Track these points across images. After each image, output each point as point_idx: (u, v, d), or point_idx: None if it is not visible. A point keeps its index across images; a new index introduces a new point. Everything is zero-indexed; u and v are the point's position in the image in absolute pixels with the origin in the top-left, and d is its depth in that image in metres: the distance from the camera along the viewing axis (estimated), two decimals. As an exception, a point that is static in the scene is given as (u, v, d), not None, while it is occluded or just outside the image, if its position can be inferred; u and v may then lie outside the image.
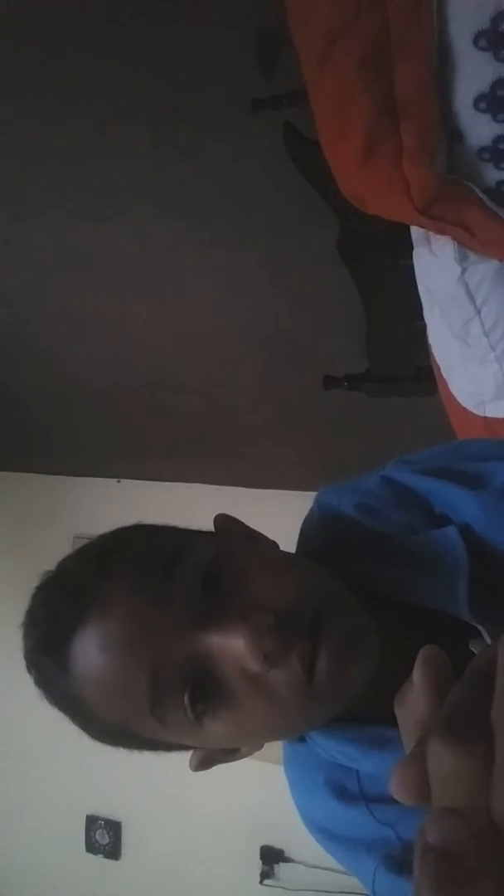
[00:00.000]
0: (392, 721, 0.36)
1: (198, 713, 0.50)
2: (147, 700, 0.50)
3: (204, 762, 0.59)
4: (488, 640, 0.52)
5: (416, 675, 0.34)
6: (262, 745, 0.58)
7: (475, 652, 0.53)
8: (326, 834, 0.60)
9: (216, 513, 0.63)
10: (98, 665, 0.50)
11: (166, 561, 0.51)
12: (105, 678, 0.50)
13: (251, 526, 0.63)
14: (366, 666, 0.51)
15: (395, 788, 0.31)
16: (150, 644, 0.49)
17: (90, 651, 0.50)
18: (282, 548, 0.62)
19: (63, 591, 0.53)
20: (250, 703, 0.50)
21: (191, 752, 0.58)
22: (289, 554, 0.60)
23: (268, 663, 0.48)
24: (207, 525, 0.62)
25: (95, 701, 0.52)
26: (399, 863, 0.53)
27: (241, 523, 0.62)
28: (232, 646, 0.49)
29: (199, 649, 0.49)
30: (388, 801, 0.55)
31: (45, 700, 0.56)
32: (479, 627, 0.53)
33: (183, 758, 0.59)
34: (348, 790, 0.58)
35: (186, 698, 0.49)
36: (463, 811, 0.28)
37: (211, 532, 0.61)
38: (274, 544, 0.62)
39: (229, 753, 0.59)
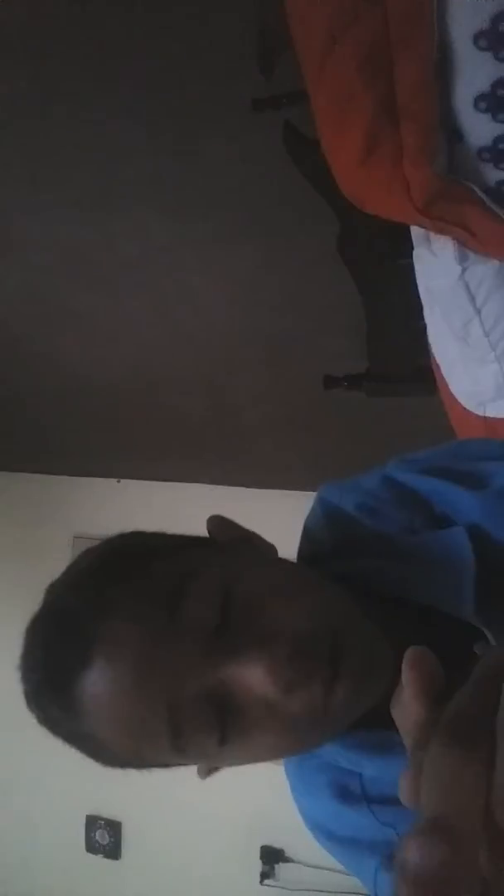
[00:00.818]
0: (395, 724, 0.36)
1: (218, 741, 0.49)
2: (167, 736, 0.48)
3: (212, 769, 0.59)
4: (493, 643, 0.52)
5: (404, 676, 0.34)
6: None
7: (479, 653, 0.52)
8: (328, 835, 0.60)
9: (214, 513, 0.61)
10: (109, 707, 0.48)
11: (171, 592, 0.49)
12: (118, 718, 0.49)
13: (251, 526, 0.62)
14: (382, 681, 0.50)
15: (405, 794, 0.31)
16: (164, 683, 0.48)
17: (99, 692, 0.48)
18: (282, 548, 0.62)
19: (61, 633, 0.50)
20: (268, 730, 0.49)
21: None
22: (296, 569, 0.59)
23: (288, 690, 0.47)
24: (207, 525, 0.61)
25: (107, 739, 0.50)
26: None
27: (237, 525, 0.61)
28: (252, 676, 0.47)
29: (216, 682, 0.48)
30: (391, 802, 0.55)
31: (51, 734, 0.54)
32: (485, 630, 0.53)
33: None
34: (351, 791, 0.58)
35: (214, 728, 0.48)
36: (454, 818, 0.27)
37: (213, 544, 0.59)
38: (272, 547, 0.60)
39: None
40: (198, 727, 0.48)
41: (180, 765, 0.56)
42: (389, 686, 0.44)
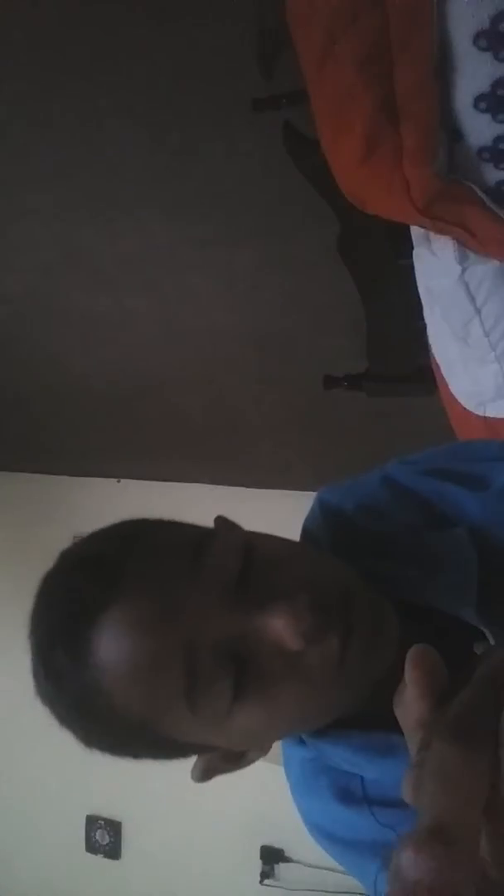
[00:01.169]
0: (397, 725, 0.36)
1: (236, 695, 0.48)
2: (182, 681, 0.47)
3: (207, 772, 0.58)
4: (493, 643, 0.52)
5: (407, 674, 0.34)
6: (267, 750, 0.57)
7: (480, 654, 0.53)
8: (328, 836, 0.60)
9: (216, 513, 0.61)
10: (128, 646, 0.47)
11: (197, 545, 0.50)
12: (136, 660, 0.47)
13: (251, 526, 0.61)
14: (391, 648, 0.50)
15: (407, 792, 0.30)
16: (185, 622, 0.47)
17: (119, 631, 0.47)
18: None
19: (87, 572, 0.49)
20: (285, 684, 0.49)
21: (193, 761, 0.58)
22: (305, 544, 0.61)
23: (306, 641, 0.48)
24: (208, 524, 0.61)
25: (119, 690, 0.48)
26: None
27: (241, 528, 0.61)
28: (272, 625, 0.48)
29: (235, 630, 0.48)
30: (392, 804, 0.55)
31: (49, 712, 0.53)
32: (485, 630, 0.53)
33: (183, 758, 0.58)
34: (352, 793, 0.58)
35: (229, 680, 0.48)
36: (456, 816, 0.27)
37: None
38: None
39: (232, 762, 0.58)
40: (214, 676, 0.48)
41: (179, 750, 0.54)
42: (386, 682, 0.44)
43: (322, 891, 2.41)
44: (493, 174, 1.03)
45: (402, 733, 0.35)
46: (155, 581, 0.48)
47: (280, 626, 0.48)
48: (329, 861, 0.62)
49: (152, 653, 0.47)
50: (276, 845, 2.60)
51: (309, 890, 2.47)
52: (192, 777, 0.58)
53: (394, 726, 0.36)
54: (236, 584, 0.49)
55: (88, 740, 0.53)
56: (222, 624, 0.48)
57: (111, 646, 0.47)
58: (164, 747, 0.53)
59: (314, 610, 0.48)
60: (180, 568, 0.49)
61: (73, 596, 0.49)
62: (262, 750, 0.58)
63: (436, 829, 0.27)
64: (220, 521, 0.61)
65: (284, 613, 0.48)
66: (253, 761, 0.59)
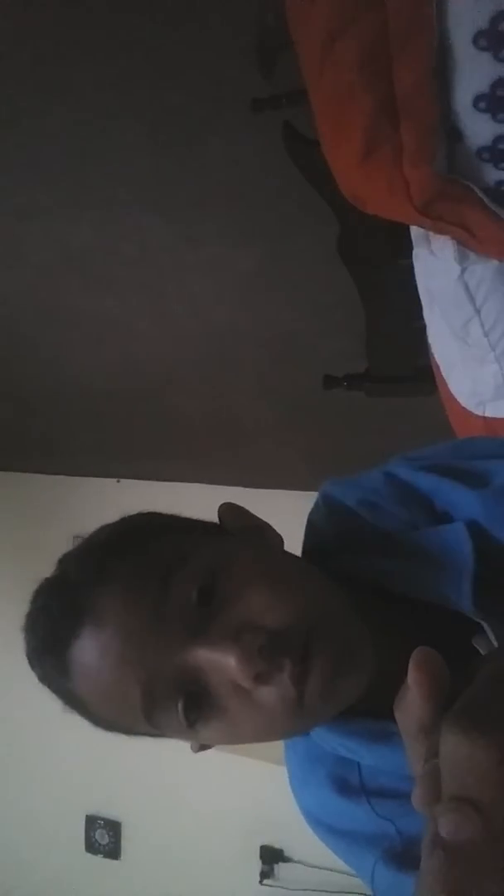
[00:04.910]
0: (394, 717, 0.36)
1: (191, 721, 0.51)
2: (141, 710, 0.51)
3: (203, 746, 0.60)
4: (491, 637, 0.52)
5: (411, 678, 0.34)
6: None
7: (478, 647, 0.53)
8: (326, 828, 0.61)
9: (216, 513, 0.62)
10: (94, 674, 0.52)
11: (163, 571, 0.52)
12: (101, 687, 0.52)
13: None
14: (357, 682, 0.51)
15: (418, 800, 0.31)
16: (143, 659, 0.50)
17: (86, 660, 0.51)
18: (284, 547, 0.62)
19: (61, 599, 0.54)
20: (241, 716, 0.51)
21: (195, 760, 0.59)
22: (290, 560, 0.60)
23: (258, 682, 0.49)
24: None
25: (94, 704, 0.53)
26: (399, 858, 0.53)
27: (248, 514, 0.62)
28: (222, 663, 0.49)
29: (190, 663, 0.50)
30: (389, 795, 0.56)
31: (49, 693, 0.57)
32: (483, 624, 0.53)
33: (183, 758, 0.59)
34: (350, 784, 0.58)
35: (180, 707, 0.51)
36: (479, 802, 0.27)
37: (216, 529, 0.60)
38: (279, 538, 0.62)
39: None
40: (171, 703, 0.51)
41: (167, 737, 0.57)
42: (384, 675, 0.44)
43: (322, 891, 2.41)
44: (492, 174, 1.03)
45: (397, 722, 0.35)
46: (115, 620, 0.51)
47: (231, 664, 0.49)
48: (329, 861, 0.62)
49: (113, 685, 0.51)
50: (276, 845, 2.60)
51: (309, 890, 2.47)
52: (192, 748, 0.60)
53: (390, 716, 0.36)
54: (197, 613, 0.51)
55: (90, 723, 0.57)
56: (178, 658, 0.50)
57: (82, 671, 0.52)
58: (153, 737, 0.57)
59: (265, 653, 0.48)
60: (142, 601, 0.51)
61: (48, 623, 0.54)
62: None
63: (468, 801, 0.27)
64: (225, 509, 0.61)
65: (233, 652, 0.49)
66: None
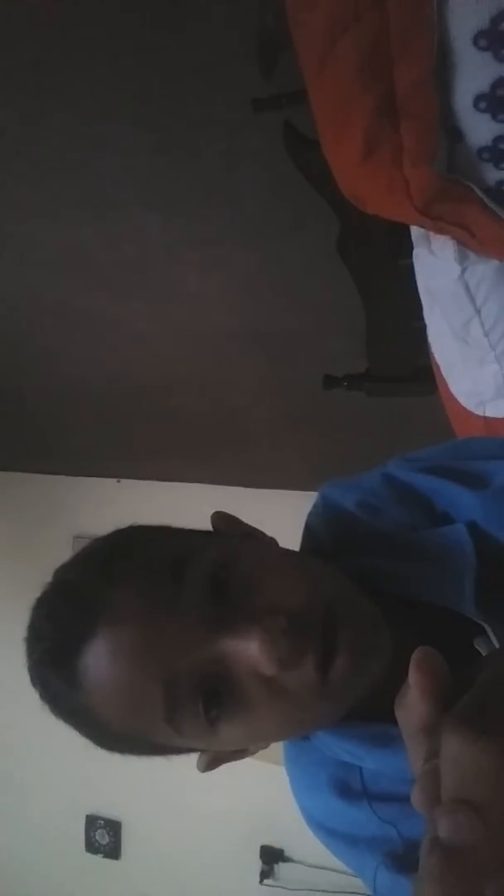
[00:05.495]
0: (395, 719, 0.36)
1: (212, 718, 0.50)
2: (162, 709, 0.49)
3: (212, 763, 0.59)
4: (493, 638, 0.52)
5: (411, 677, 0.34)
6: (269, 744, 0.58)
7: (479, 649, 0.53)
8: (327, 831, 0.60)
9: (218, 510, 0.62)
10: (110, 677, 0.49)
11: (174, 566, 0.51)
12: (118, 690, 0.50)
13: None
14: (380, 661, 0.51)
15: (418, 800, 0.31)
16: (163, 653, 0.49)
17: (101, 663, 0.49)
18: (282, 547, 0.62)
19: (70, 603, 0.51)
20: (265, 706, 0.50)
21: (198, 754, 0.58)
22: (293, 552, 0.60)
23: (282, 667, 0.48)
24: (207, 525, 0.61)
25: (107, 713, 0.51)
26: (400, 861, 0.53)
27: (239, 521, 0.62)
28: (246, 651, 0.48)
29: (212, 655, 0.49)
30: (391, 799, 0.56)
31: (50, 713, 0.55)
32: (484, 625, 0.53)
33: (184, 758, 0.58)
34: (351, 787, 0.58)
35: (201, 705, 0.49)
36: (479, 804, 0.27)
37: (211, 532, 0.60)
38: (273, 541, 0.62)
39: (237, 752, 0.59)
40: (193, 701, 0.49)
41: (181, 751, 0.56)
42: (385, 678, 0.44)
43: (322, 891, 2.41)
44: (492, 174, 1.03)
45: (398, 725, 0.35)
46: (133, 614, 0.49)
47: (254, 651, 0.48)
48: (329, 861, 0.62)
49: (132, 684, 0.49)
50: (276, 845, 2.60)
51: (309, 890, 2.47)
52: (198, 768, 0.59)
53: (390, 718, 0.36)
54: (213, 605, 0.50)
55: (94, 742, 0.55)
56: (199, 651, 0.49)
57: (96, 677, 0.50)
58: (164, 751, 0.55)
59: (290, 634, 0.48)
60: (158, 595, 0.50)
61: (58, 628, 0.51)
62: (261, 746, 0.58)
63: (466, 803, 0.27)
64: (217, 517, 0.61)
65: (258, 638, 0.48)
66: (253, 753, 0.60)
